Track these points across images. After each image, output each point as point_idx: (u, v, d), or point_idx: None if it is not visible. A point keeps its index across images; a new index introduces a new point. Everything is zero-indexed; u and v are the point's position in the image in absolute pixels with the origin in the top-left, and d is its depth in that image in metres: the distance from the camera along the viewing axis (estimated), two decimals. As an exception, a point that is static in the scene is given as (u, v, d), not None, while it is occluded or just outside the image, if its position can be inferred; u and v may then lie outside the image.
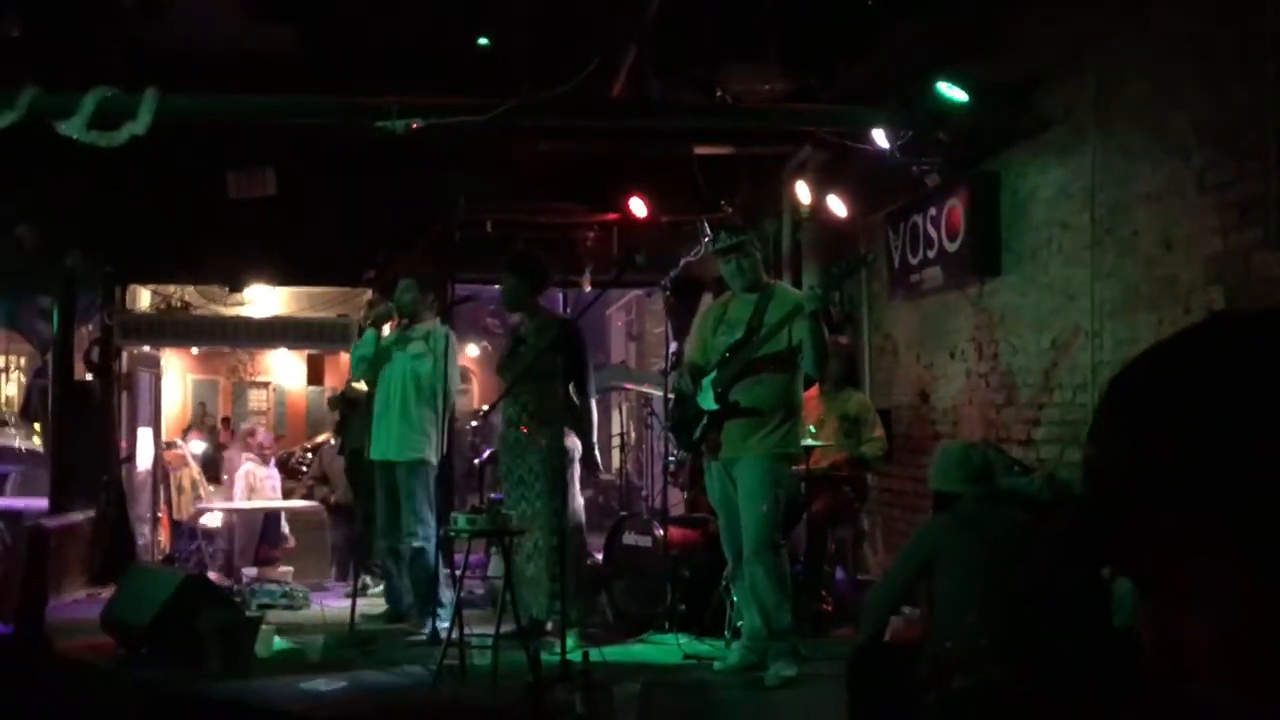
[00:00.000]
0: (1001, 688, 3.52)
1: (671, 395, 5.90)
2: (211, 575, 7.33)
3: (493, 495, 6.68)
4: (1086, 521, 0.78)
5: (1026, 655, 3.57)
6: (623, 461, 11.89)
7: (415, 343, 6.32)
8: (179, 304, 9.51)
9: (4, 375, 15.14)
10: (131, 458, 8.75)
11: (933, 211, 6.60)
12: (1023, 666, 3.55)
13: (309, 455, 10.35)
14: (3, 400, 14.85)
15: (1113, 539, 0.76)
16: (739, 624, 5.47)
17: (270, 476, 9.44)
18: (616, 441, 13.43)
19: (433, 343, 6.23)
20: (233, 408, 16.46)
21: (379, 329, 6.41)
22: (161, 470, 9.35)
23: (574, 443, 6.03)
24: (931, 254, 6.66)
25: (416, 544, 6.19)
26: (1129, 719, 3.49)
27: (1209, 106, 4.56)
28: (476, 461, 8.64)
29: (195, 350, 15.08)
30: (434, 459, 6.24)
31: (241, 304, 9.68)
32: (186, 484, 9.63)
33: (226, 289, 8.98)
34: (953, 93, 5.79)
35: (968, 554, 3.80)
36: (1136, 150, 5.04)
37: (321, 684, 5.21)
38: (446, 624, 5.57)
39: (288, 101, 6.13)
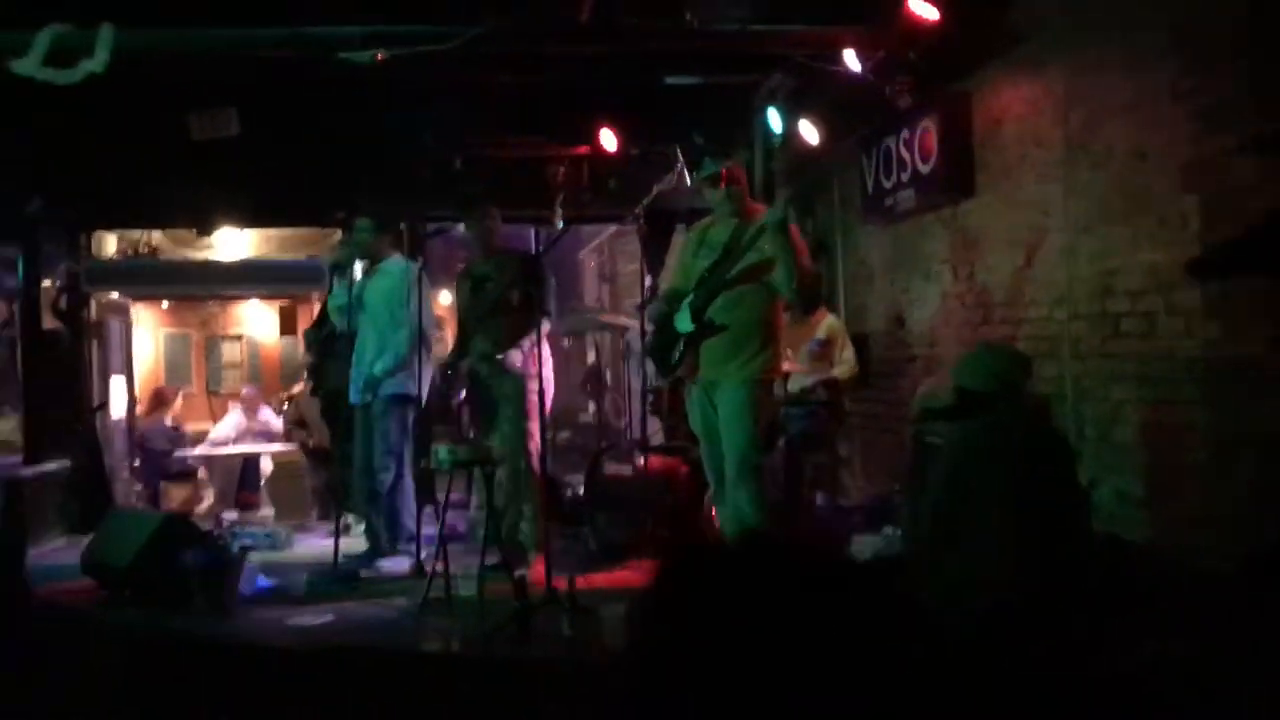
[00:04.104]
0: (1017, 606, 3.45)
1: (649, 325, 5.91)
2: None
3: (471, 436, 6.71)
4: None
5: (1033, 572, 3.52)
6: (600, 401, 11.87)
7: (382, 281, 6.29)
8: (146, 249, 9.38)
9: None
10: (105, 405, 8.67)
11: (905, 134, 6.57)
12: (1032, 583, 3.50)
13: (285, 405, 10.36)
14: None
15: None
16: (722, 547, 5.50)
17: (241, 424, 9.47)
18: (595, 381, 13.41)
19: (399, 278, 6.20)
20: (206, 361, 16.32)
21: (345, 275, 6.36)
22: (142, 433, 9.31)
23: (548, 373, 6.11)
24: (905, 177, 6.63)
25: (394, 483, 6.19)
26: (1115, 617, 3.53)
27: (1180, 10, 4.53)
28: (454, 402, 8.61)
29: (166, 304, 14.90)
30: (411, 391, 6.23)
31: (209, 248, 9.56)
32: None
33: (194, 233, 8.86)
34: (923, 10, 5.73)
35: (996, 467, 3.65)
36: (1108, 61, 5.01)
37: (307, 619, 5.21)
38: (428, 557, 5.58)
39: (249, 34, 5.99)
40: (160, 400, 10.04)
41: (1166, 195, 4.68)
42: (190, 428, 10.75)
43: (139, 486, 9.27)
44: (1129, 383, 4.91)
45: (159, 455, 9.44)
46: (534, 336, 5.78)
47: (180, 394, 10.17)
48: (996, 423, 3.78)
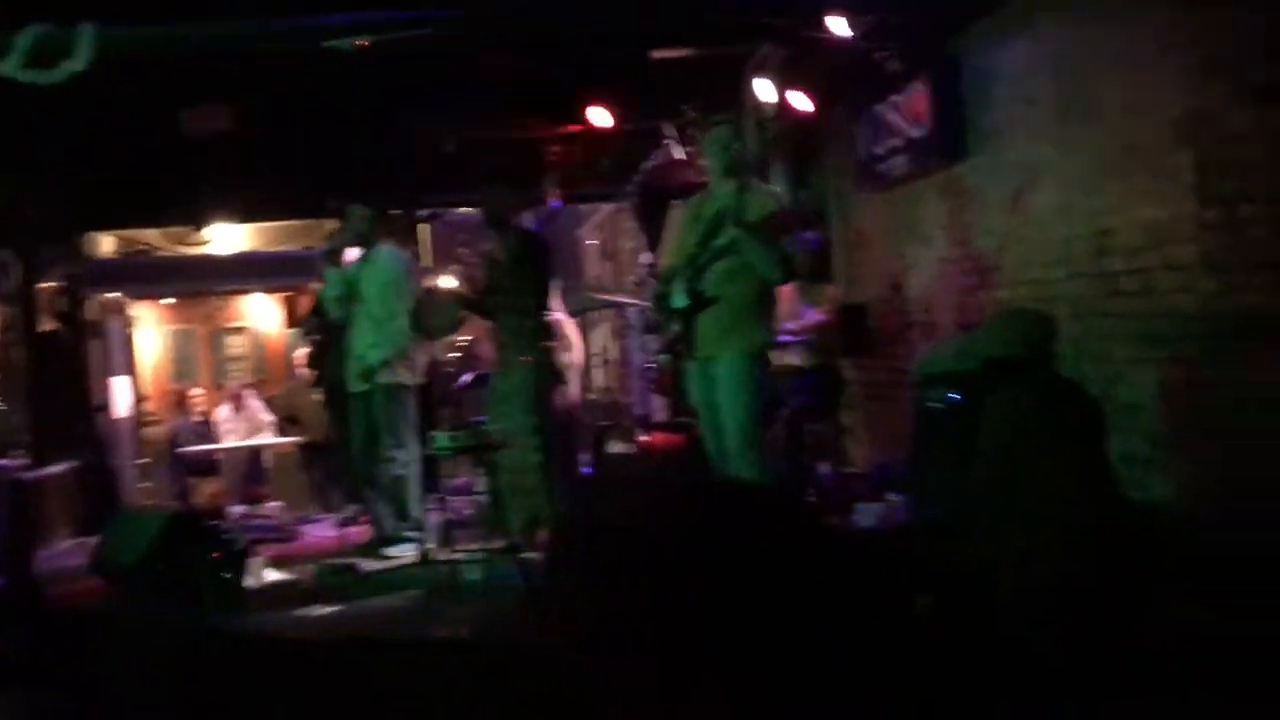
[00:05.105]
0: (1080, 577, 3.39)
1: (647, 304, 5.90)
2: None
3: (473, 420, 6.70)
4: None
5: (1091, 538, 3.47)
6: (606, 378, 11.87)
7: (375, 270, 6.28)
8: (142, 248, 9.38)
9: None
10: (106, 406, 8.69)
11: (896, 99, 6.51)
12: (1091, 550, 3.45)
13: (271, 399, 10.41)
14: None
15: None
16: (726, 522, 5.48)
17: (230, 417, 9.55)
18: (598, 360, 13.39)
19: (392, 266, 6.19)
20: (212, 355, 16.36)
21: (337, 264, 6.35)
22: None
23: (566, 358, 6.12)
24: (897, 143, 6.58)
25: (397, 471, 6.18)
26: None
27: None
28: (455, 386, 8.60)
29: (171, 300, 14.95)
30: (407, 380, 6.22)
31: (205, 243, 9.57)
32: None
33: (190, 230, 8.85)
34: (909, -28, 5.67)
35: (1052, 433, 3.58)
36: (1098, 14, 4.94)
37: (315, 610, 5.22)
38: (433, 544, 5.58)
39: (230, 28, 5.95)
40: (181, 397, 10.15)
41: (1160, 150, 4.62)
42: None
43: (148, 484, 9.29)
44: (1130, 341, 4.87)
45: (189, 453, 9.47)
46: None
47: (189, 390, 10.22)
48: (1042, 388, 3.71)
